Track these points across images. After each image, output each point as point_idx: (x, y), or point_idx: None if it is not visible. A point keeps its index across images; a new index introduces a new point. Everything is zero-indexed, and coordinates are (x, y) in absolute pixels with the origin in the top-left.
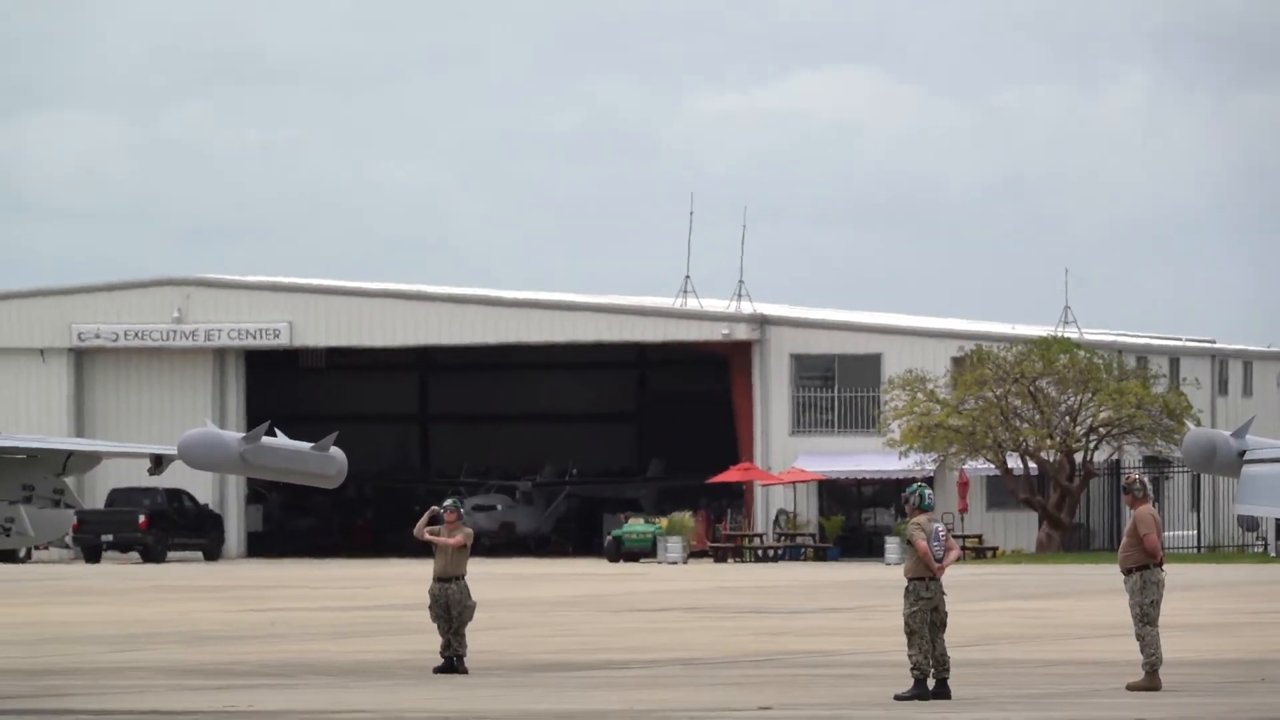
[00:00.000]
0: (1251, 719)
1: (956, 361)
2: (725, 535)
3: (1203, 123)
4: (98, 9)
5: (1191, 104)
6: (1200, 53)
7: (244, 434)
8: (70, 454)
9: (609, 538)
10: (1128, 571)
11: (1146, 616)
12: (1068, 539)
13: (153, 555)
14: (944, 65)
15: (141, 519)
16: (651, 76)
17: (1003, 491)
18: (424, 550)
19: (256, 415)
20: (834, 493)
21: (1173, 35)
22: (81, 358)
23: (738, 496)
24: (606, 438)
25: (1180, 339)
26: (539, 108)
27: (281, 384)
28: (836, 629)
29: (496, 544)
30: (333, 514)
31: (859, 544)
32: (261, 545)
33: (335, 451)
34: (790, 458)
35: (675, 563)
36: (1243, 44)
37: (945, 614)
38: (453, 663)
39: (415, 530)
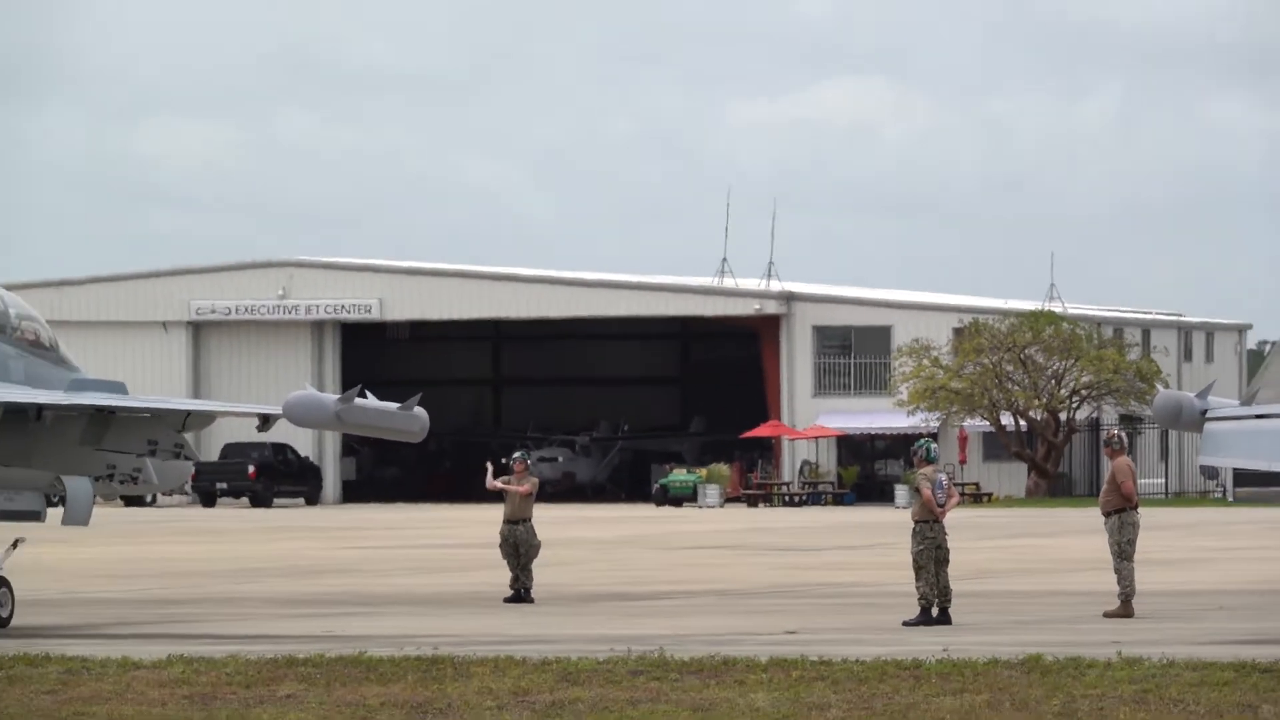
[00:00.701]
0: (1211, 641)
1: (957, 332)
2: (756, 483)
3: (1170, 128)
4: (217, 24)
5: (1159, 113)
6: (1165, 71)
7: (339, 396)
8: (189, 413)
9: (656, 485)
10: (1107, 514)
11: (1123, 553)
12: (1053, 486)
13: (260, 501)
14: (948, 77)
15: (251, 469)
16: (694, 87)
17: (997, 445)
18: (495, 497)
19: (350, 380)
20: (850, 446)
21: (1142, 55)
22: (199, 330)
23: (767, 449)
24: (654, 399)
25: (1151, 313)
26: (597, 113)
27: (371, 353)
28: (853, 564)
29: (559, 491)
30: (416, 465)
31: (872, 491)
32: (354, 492)
33: (418, 411)
34: (813, 416)
35: (713, 507)
36: (1200, 63)
37: (947, 551)
38: (520, 594)
39: (487, 481)
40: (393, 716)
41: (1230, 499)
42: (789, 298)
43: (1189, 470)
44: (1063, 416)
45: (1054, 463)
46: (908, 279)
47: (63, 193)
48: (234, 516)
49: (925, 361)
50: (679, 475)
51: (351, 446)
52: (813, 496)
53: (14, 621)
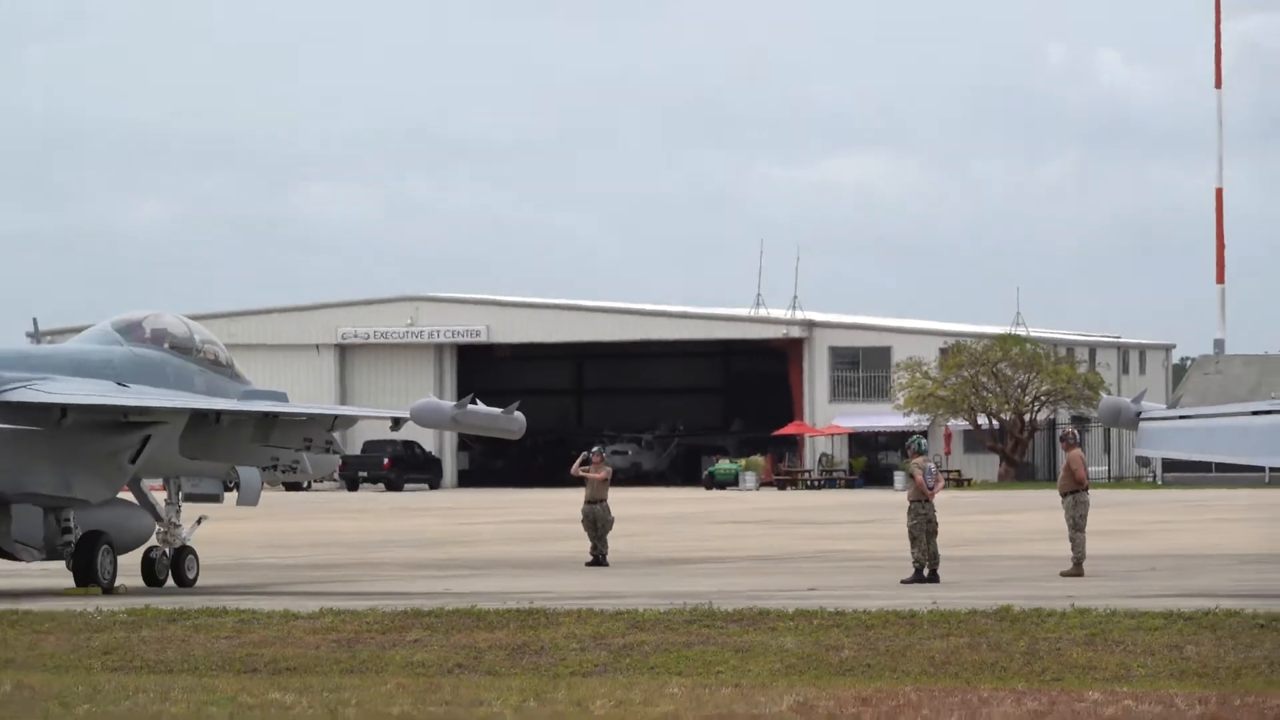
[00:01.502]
0: (1145, 595)
1: (943, 351)
2: (784, 471)
3: (1111, 187)
4: (357, 104)
5: (1103, 174)
6: (1109, 140)
7: (455, 403)
8: (336, 417)
9: (705, 473)
10: (1064, 494)
11: (1076, 525)
12: (1019, 473)
13: (393, 486)
14: (934, 145)
15: (386, 461)
16: (734, 154)
17: (974, 440)
18: (578, 482)
19: (463, 390)
20: (859, 441)
21: (1090, 128)
22: (344, 351)
23: (793, 444)
24: (702, 404)
25: (1096, 335)
26: (657, 174)
27: (480, 369)
28: (860, 535)
29: (627, 478)
30: (516, 458)
31: (876, 477)
32: (468, 479)
33: (517, 415)
34: (829, 417)
35: (750, 490)
36: (1136, 135)
37: (936, 524)
38: (598, 559)
39: (572, 469)
40: (497, 656)
41: (1160, 482)
42: (810, 324)
43: (1127, 459)
44: (1026, 417)
45: (1020, 454)
46: (904, 309)
47: (237, 241)
48: (372, 499)
49: (918, 374)
50: (723, 465)
51: (465, 443)
52: (829, 481)
53: (199, 582)
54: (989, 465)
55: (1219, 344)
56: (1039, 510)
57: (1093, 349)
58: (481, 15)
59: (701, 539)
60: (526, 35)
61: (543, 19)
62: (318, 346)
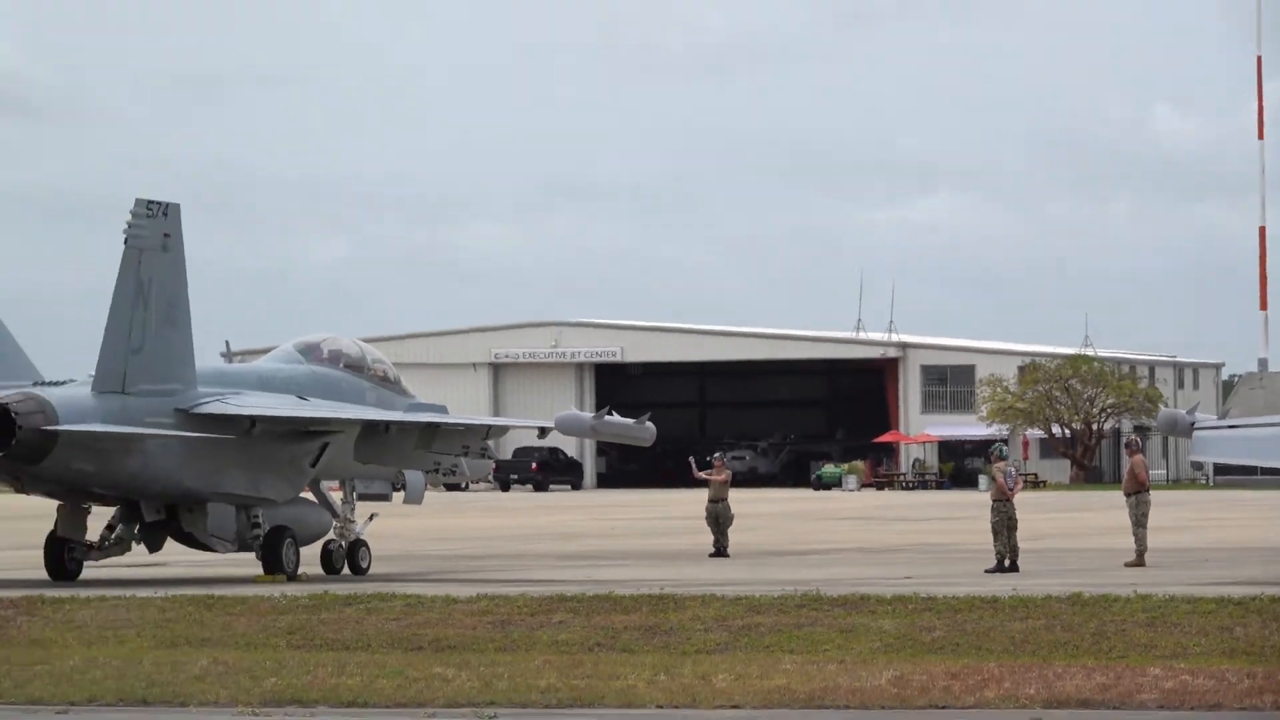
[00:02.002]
0: (1199, 584)
1: (1021, 369)
2: (882, 474)
3: (1167, 223)
4: (503, 154)
5: (1158, 212)
6: (1165, 182)
7: (594, 414)
8: (490, 427)
9: (813, 476)
10: (1128, 495)
11: (1139, 522)
12: (1088, 476)
13: (540, 487)
14: (1012, 188)
15: (533, 465)
16: (837, 197)
17: (1049, 447)
18: (701, 484)
19: (600, 403)
20: (947, 448)
21: (1147, 171)
22: (497, 370)
23: (889, 450)
24: (810, 415)
25: (1154, 355)
26: (770, 214)
27: (615, 385)
28: (949, 530)
29: (745, 480)
30: (647, 462)
31: (963, 479)
32: (605, 481)
33: (648, 425)
34: (921, 427)
35: (852, 491)
36: (1187, 178)
37: (1015, 521)
38: (719, 551)
39: (696, 473)
40: (632, 636)
41: (1212, 484)
42: (904, 346)
43: (1182, 464)
44: (1094, 427)
45: (1089, 459)
46: (986, 332)
47: (404, 273)
48: (522, 498)
49: (999, 389)
50: (829, 469)
51: (603, 449)
52: (921, 483)
53: (371, 571)
54: (1062, 469)
55: (1263, 363)
56: (1105, 509)
57: (1152, 367)
58: (620, 77)
59: (810, 534)
60: (659, 93)
61: (671, 79)
62: (474, 365)
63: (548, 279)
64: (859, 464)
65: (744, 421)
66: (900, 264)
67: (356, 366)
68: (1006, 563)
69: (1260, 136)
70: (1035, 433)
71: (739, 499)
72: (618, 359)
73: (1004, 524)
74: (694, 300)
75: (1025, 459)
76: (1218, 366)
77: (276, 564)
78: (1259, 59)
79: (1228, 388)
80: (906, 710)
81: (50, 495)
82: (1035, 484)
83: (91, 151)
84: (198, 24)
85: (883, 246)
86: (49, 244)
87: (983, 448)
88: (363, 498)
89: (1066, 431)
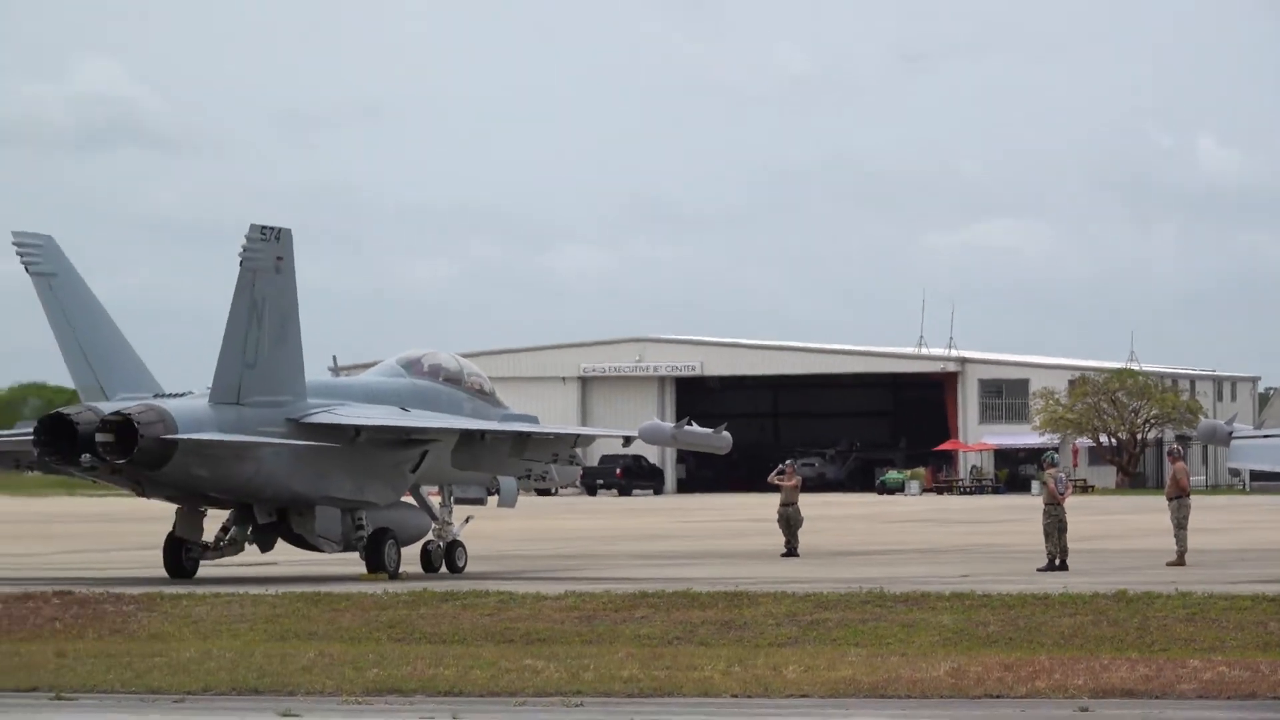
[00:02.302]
0: (1237, 581)
1: (1071, 382)
2: (942, 480)
3: (1206, 247)
4: (596, 180)
5: (1198, 236)
6: (1205, 208)
7: (675, 424)
8: (578, 435)
9: (878, 481)
10: (1170, 499)
11: (1180, 524)
12: (1133, 481)
13: (624, 491)
14: (1063, 212)
15: (618, 471)
16: (900, 221)
17: (1097, 455)
18: (774, 489)
19: (680, 414)
20: (1003, 456)
21: (1190, 197)
22: (585, 383)
23: (949, 458)
24: (875, 425)
25: (1195, 369)
26: (836, 239)
27: (695, 397)
28: (1004, 532)
29: (814, 486)
30: (724, 469)
31: (1017, 484)
32: (685, 486)
33: (725, 434)
34: (978, 436)
35: (914, 495)
36: (1227, 203)
37: (1065, 523)
38: (790, 552)
39: (769, 478)
40: (709, 630)
41: (1248, 490)
42: (963, 361)
43: (1221, 471)
44: (1139, 436)
45: (1134, 466)
46: (1038, 348)
47: (500, 292)
48: (607, 502)
49: (1051, 401)
50: (893, 474)
51: (682, 457)
52: (978, 488)
53: (467, 569)
54: (1109, 475)
55: None
56: (1149, 512)
57: (1193, 380)
58: (702, 111)
59: (874, 535)
60: (737, 126)
61: (749, 113)
62: (563, 379)
63: (632, 299)
64: (920, 470)
65: (814, 431)
66: (960, 285)
67: (455, 380)
68: (1057, 562)
69: None
70: (1084, 441)
71: (808, 503)
72: (697, 373)
73: (1055, 526)
74: (768, 318)
75: (1075, 466)
76: (1255, 380)
77: (379, 563)
78: None
79: (1264, 400)
80: (963, 699)
81: (169, 499)
82: (1084, 489)
83: (211, 181)
84: (309, 62)
85: (943, 268)
86: (172, 265)
87: (1035, 455)
88: (459, 501)
89: (1113, 440)
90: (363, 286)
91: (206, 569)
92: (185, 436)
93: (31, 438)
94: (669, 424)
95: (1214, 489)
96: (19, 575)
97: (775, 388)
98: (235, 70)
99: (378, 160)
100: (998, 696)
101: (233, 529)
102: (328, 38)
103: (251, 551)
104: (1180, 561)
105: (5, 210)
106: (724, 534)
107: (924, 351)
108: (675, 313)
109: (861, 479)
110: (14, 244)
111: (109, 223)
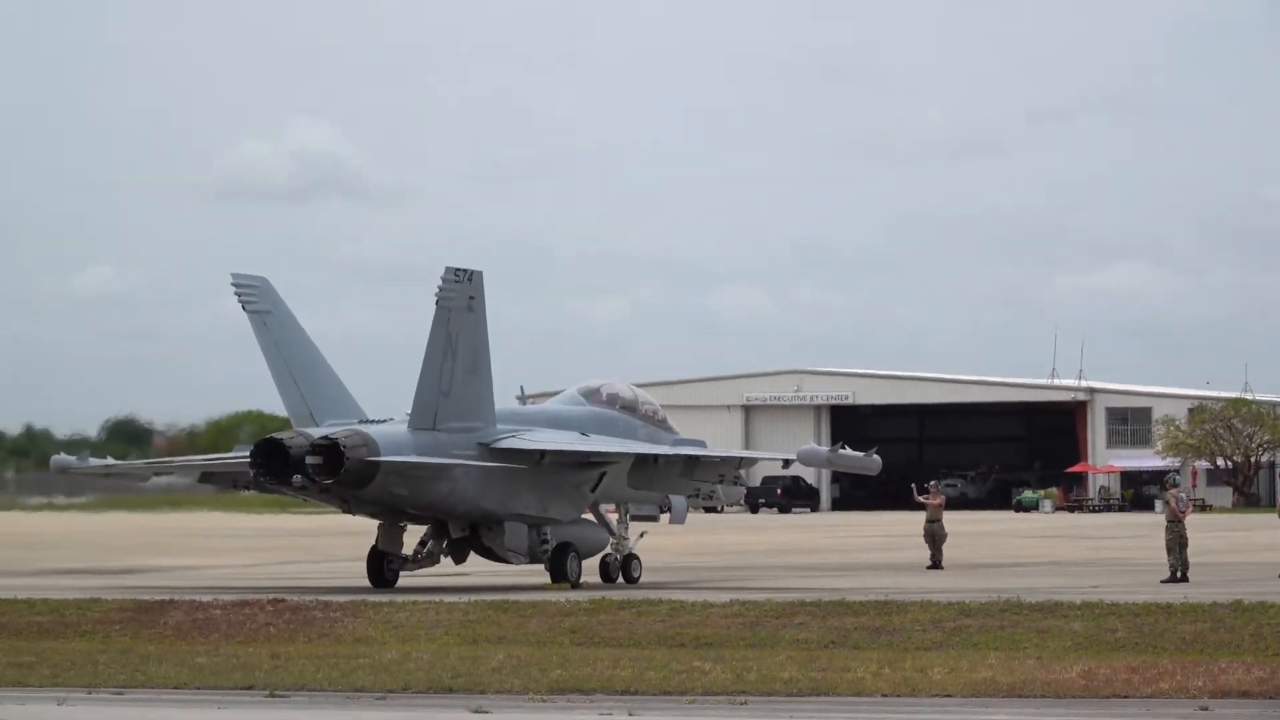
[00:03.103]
0: None
1: (1191, 410)
2: (1073, 499)
3: None
4: (755, 226)
5: None
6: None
7: (830, 448)
8: (742, 459)
9: (1014, 500)
10: None
11: None
12: (1248, 501)
13: (784, 509)
14: (1185, 257)
15: (779, 491)
16: (1034, 264)
17: (1215, 476)
18: (920, 507)
19: (835, 439)
20: (1128, 477)
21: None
22: (748, 411)
23: (1079, 479)
24: (1011, 449)
25: None
26: (976, 278)
27: (848, 423)
28: (1129, 546)
29: (956, 504)
30: (874, 489)
31: (1141, 504)
32: (839, 504)
33: (875, 457)
34: (1106, 459)
35: (1048, 513)
36: None
37: (1186, 539)
38: (935, 564)
39: (914, 496)
40: (861, 635)
41: None
42: (1091, 391)
43: None
44: (1253, 459)
45: (1249, 487)
46: (1161, 379)
47: (670, 328)
48: (768, 519)
49: (1172, 428)
50: (1028, 494)
51: (837, 478)
52: (1106, 507)
53: (641, 580)
54: (1225, 495)
55: None
56: (1263, 529)
57: None
58: (852, 163)
59: (1011, 550)
60: (885, 176)
61: (896, 165)
62: (729, 407)
63: (791, 333)
64: (1053, 490)
65: (956, 454)
66: (1088, 320)
67: (630, 407)
68: (1179, 574)
69: None
70: (1203, 464)
71: (951, 520)
72: (850, 401)
73: (1176, 541)
74: (914, 352)
75: (1194, 487)
76: None
77: (562, 574)
78: None
79: None
80: (1093, 699)
81: (372, 516)
82: (1203, 508)
83: (410, 227)
84: (497, 122)
85: (1074, 306)
86: (375, 304)
87: (1158, 477)
88: (635, 518)
89: (1229, 463)
90: (547, 323)
91: (406, 579)
92: (387, 459)
93: (248, 460)
94: (825, 448)
95: None
96: (237, 585)
97: (921, 415)
98: (434, 129)
99: (561, 210)
100: (1125, 697)
101: (429, 543)
102: (512, 100)
103: (446, 563)
104: None
105: (226, 254)
106: (875, 548)
107: (1056, 382)
108: (829, 347)
109: (1000, 498)
110: (233, 285)
111: (319, 265)
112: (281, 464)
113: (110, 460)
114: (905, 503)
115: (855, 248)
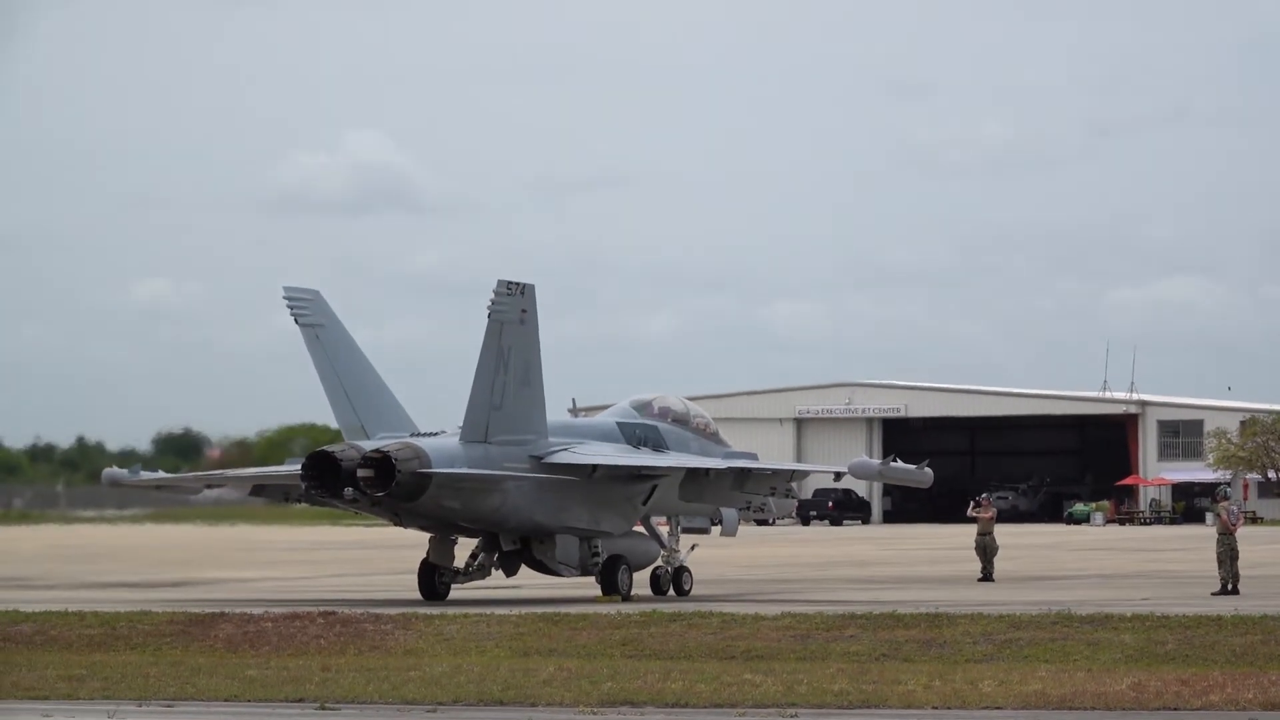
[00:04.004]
0: None
1: (1242, 423)
2: (1124, 511)
3: None
4: (809, 242)
5: None
6: None
7: (881, 461)
8: (793, 471)
9: (1066, 513)
10: None
11: None
12: None
13: (835, 522)
14: (1236, 271)
15: (830, 503)
16: (1088, 276)
17: (1266, 489)
18: (971, 520)
19: (887, 452)
20: (1179, 490)
21: None
22: (800, 424)
23: (1131, 492)
24: (1063, 462)
25: None
26: (1030, 291)
27: (900, 436)
28: (1180, 559)
29: (1008, 517)
30: (926, 501)
31: (1192, 516)
32: (890, 517)
33: (926, 470)
34: (1157, 472)
35: (1099, 526)
36: None
37: (1237, 551)
38: (987, 576)
39: (967, 510)
40: (912, 647)
41: None
42: (1143, 404)
43: None
44: None
45: None
46: (1212, 392)
47: (724, 342)
48: (820, 531)
49: (1223, 440)
50: (1079, 507)
51: (888, 490)
52: (1157, 519)
53: (692, 592)
54: (1277, 508)
55: None
56: None
57: None
58: (909, 177)
59: (1063, 562)
60: (941, 191)
61: (953, 179)
62: (780, 420)
63: (842, 347)
64: (1105, 503)
65: (1007, 467)
66: (1140, 334)
67: (682, 420)
68: (1229, 587)
69: None
70: (1254, 477)
71: (1003, 533)
72: (901, 414)
73: (1228, 554)
74: (965, 364)
75: (1246, 499)
76: None
77: (613, 586)
78: None
79: None
80: (1143, 711)
81: (423, 528)
82: (1254, 520)
83: (463, 240)
84: (552, 138)
85: (1125, 319)
86: (427, 317)
87: (1210, 489)
88: (686, 531)
89: None
90: (599, 336)
91: (457, 592)
92: (438, 471)
93: (300, 473)
94: (876, 461)
95: None
96: (288, 597)
97: (972, 428)
98: (488, 142)
99: (614, 223)
100: (1175, 709)
101: (481, 555)
102: (567, 114)
103: (497, 576)
104: None
105: (281, 267)
106: (926, 561)
107: (1108, 395)
108: (881, 360)
109: (1051, 511)
110: (285, 298)
111: (373, 278)
112: (333, 477)
113: (162, 473)
114: (957, 516)
115: (907, 261)
